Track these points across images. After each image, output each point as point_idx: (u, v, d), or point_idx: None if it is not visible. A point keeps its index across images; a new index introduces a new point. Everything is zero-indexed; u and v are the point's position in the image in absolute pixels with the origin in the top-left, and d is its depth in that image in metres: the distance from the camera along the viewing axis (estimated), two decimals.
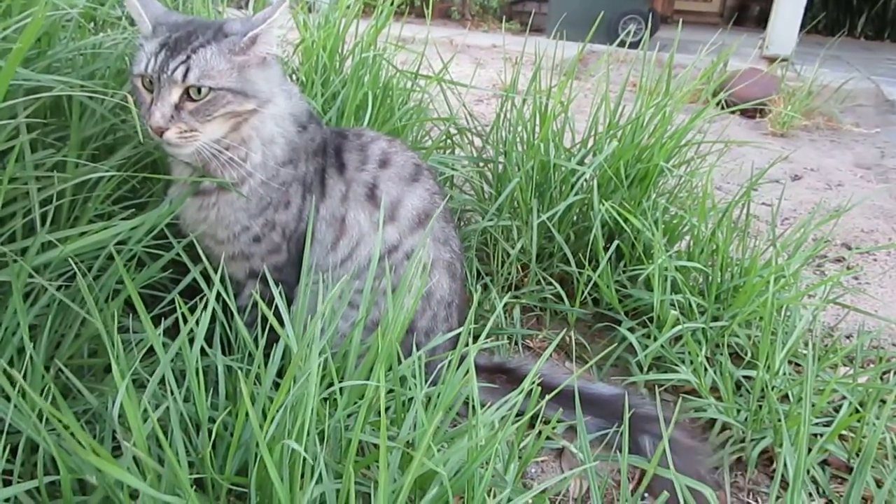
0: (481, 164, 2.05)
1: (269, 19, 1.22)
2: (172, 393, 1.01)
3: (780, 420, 1.39)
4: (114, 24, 1.71)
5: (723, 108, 2.35)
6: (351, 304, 1.39)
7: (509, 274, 1.90)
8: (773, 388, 1.46)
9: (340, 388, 1.09)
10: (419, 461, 0.88)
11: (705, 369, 1.58)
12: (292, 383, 0.90)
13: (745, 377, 1.61)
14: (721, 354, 1.62)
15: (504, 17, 7.81)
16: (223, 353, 1.25)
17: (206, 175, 1.32)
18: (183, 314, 1.16)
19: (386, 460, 0.88)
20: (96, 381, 1.27)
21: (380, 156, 1.45)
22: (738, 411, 1.51)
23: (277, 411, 0.91)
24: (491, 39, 6.76)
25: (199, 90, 1.20)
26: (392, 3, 2.03)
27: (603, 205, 1.75)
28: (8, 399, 1.00)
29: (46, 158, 1.36)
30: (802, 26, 6.03)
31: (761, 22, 7.81)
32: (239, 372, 1.20)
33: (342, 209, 1.40)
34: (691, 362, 1.59)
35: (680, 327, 1.57)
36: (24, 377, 1.12)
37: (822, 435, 1.39)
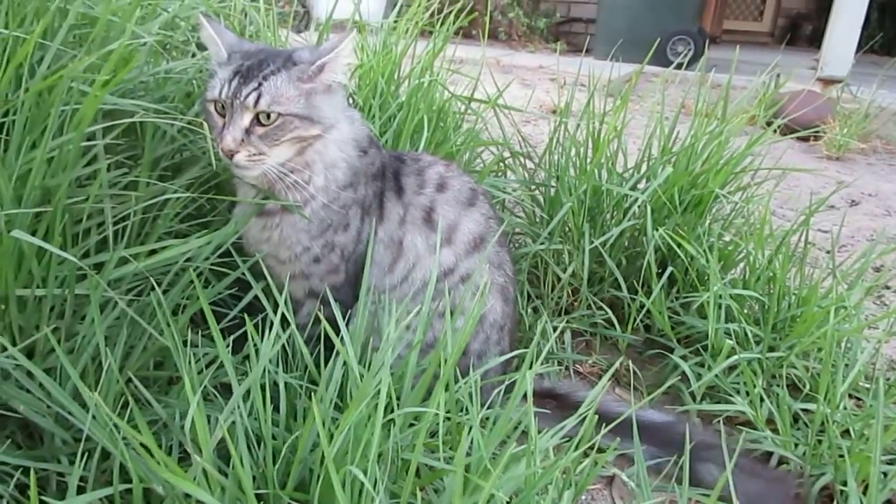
0: (533, 188, 2.06)
1: (337, 49, 1.27)
2: (239, 408, 1.04)
3: (841, 456, 1.35)
4: (182, 49, 1.79)
5: (775, 131, 2.31)
6: (407, 326, 1.41)
7: (559, 298, 1.90)
8: (833, 423, 1.43)
9: (395, 409, 1.12)
10: (476, 485, 0.89)
11: (761, 400, 1.55)
12: (359, 405, 0.93)
13: (803, 410, 1.57)
14: (778, 386, 1.59)
15: (551, 38, 7.84)
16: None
17: (271, 197, 1.36)
18: (247, 330, 1.20)
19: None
20: (160, 392, 1.32)
21: (437, 180, 1.48)
22: (797, 445, 1.48)
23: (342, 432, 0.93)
24: (537, 60, 6.79)
25: (268, 115, 1.26)
26: (449, 29, 2.07)
27: (657, 231, 1.74)
28: (85, 408, 1.05)
29: (120, 178, 1.43)
30: (858, 47, 5.90)
31: (813, 41, 7.66)
32: (299, 389, 1.23)
33: (400, 232, 1.43)
34: (747, 393, 1.56)
35: (736, 357, 1.55)
36: (98, 385, 1.18)
37: (886, 474, 1.35)
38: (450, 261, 1.43)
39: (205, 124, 1.35)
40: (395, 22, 2.10)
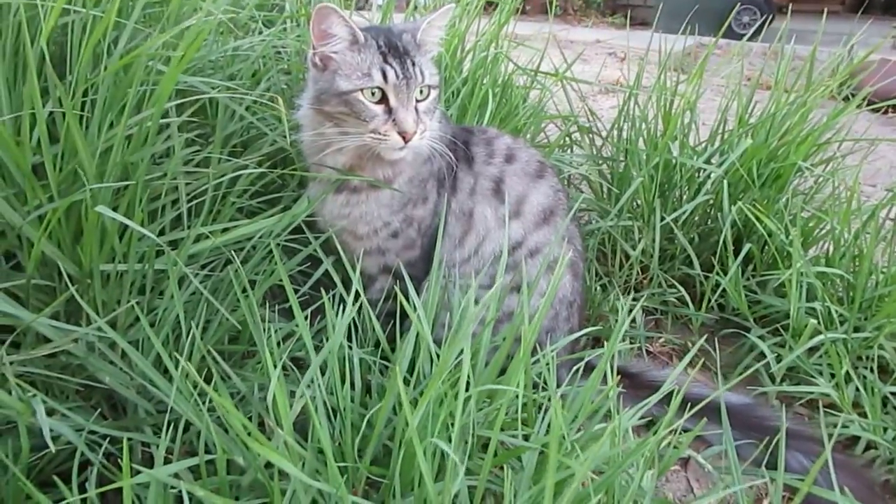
0: (600, 163, 2.00)
1: (429, 19, 1.31)
2: (314, 382, 1.04)
3: None
4: (248, 27, 1.79)
5: (860, 104, 2.18)
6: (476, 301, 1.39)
7: (629, 276, 1.85)
8: None
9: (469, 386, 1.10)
10: (559, 463, 0.87)
11: (847, 382, 1.48)
12: (439, 380, 0.91)
13: (892, 394, 1.49)
14: (865, 368, 1.51)
15: (607, 12, 7.63)
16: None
17: (353, 173, 1.35)
18: (322, 306, 1.20)
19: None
20: (236, 366, 1.34)
21: (505, 151, 1.45)
22: (885, 430, 1.40)
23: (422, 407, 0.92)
24: (594, 34, 6.61)
25: (421, 91, 1.28)
26: (511, 3, 2.02)
27: (734, 206, 1.67)
28: (168, 380, 1.08)
29: (192, 155, 1.45)
30: None
31: (889, 9, 7.22)
32: (371, 364, 1.23)
33: (470, 203, 1.41)
34: (832, 375, 1.49)
35: (820, 337, 1.47)
36: (179, 360, 1.20)
37: None
38: (518, 234, 1.40)
39: (310, 117, 1.34)
40: None
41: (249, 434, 0.86)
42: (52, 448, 0.90)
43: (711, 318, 1.80)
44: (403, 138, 1.24)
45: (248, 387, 1.13)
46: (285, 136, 1.55)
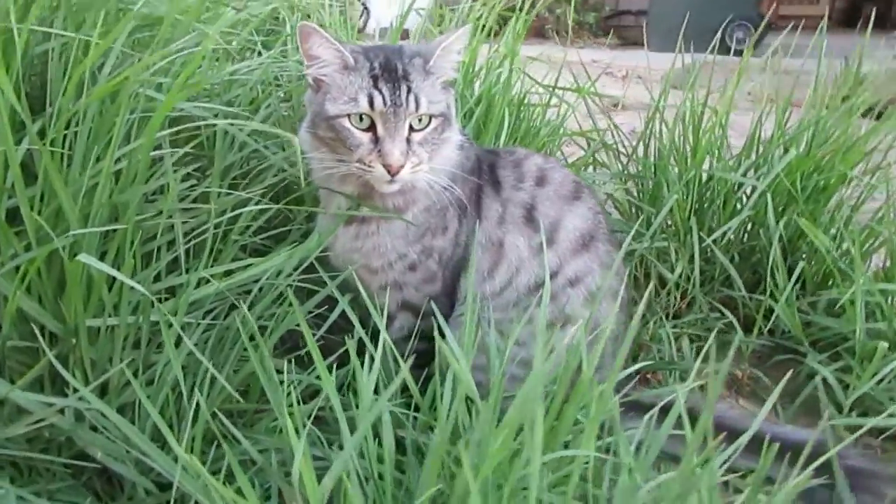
0: (627, 181, 1.87)
1: (449, 42, 1.18)
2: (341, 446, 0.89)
3: None
4: (246, 49, 1.67)
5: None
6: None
7: (666, 301, 1.71)
8: None
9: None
10: None
11: None
12: (504, 448, 0.76)
13: None
14: None
15: (600, 33, 7.61)
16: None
17: (366, 203, 1.22)
18: (338, 357, 1.05)
19: None
20: (246, 426, 1.18)
21: (536, 173, 1.32)
22: None
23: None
24: (588, 55, 6.56)
25: (420, 119, 1.14)
26: (517, 26, 1.91)
27: (780, 220, 1.54)
28: (169, 451, 0.92)
29: (188, 191, 1.31)
30: None
31: (877, 24, 7.19)
32: (404, 420, 1.08)
33: (500, 232, 1.27)
34: None
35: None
36: (180, 422, 1.05)
37: None
38: (553, 263, 1.25)
39: (307, 141, 1.22)
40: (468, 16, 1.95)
41: None
42: None
43: (759, 344, 1.66)
44: (388, 171, 1.11)
45: (263, 456, 0.97)
46: (292, 165, 1.42)
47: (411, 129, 1.14)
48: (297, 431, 0.80)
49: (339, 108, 1.13)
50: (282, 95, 1.70)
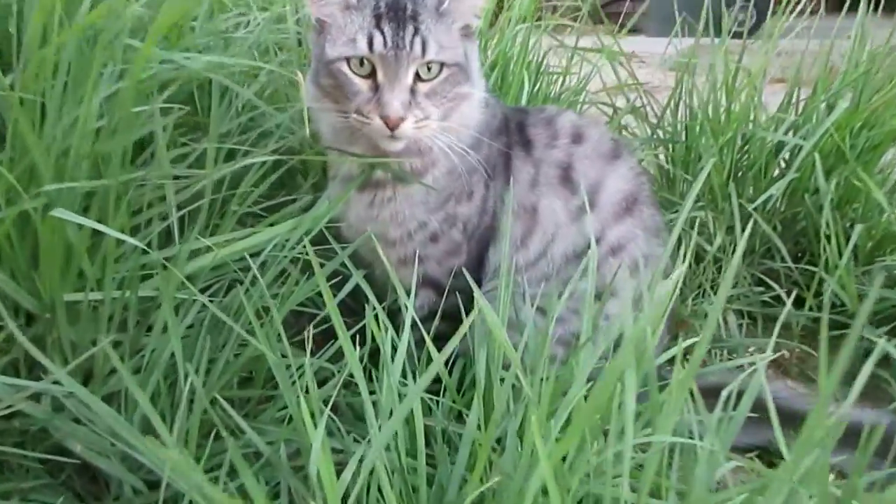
0: (657, 147, 1.74)
1: None
2: (367, 441, 0.75)
3: None
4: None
5: None
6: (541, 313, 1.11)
7: (703, 274, 1.57)
8: None
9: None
10: None
11: None
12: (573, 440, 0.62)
13: None
14: None
15: (596, 20, 7.46)
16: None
17: (381, 165, 1.08)
18: (355, 337, 0.92)
19: None
20: (249, 416, 1.05)
21: (571, 129, 1.18)
22: None
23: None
24: (588, 42, 6.42)
25: (429, 67, 0.99)
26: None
27: (831, 181, 1.40)
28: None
29: (182, 158, 1.17)
30: None
31: (883, 6, 7.08)
32: (433, 406, 0.94)
33: (533, 196, 1.13)
34: None
35: None
36: (175, 411, 0.91)
37: None
38: (594, 229, 1.11)
39: (311, 92, 1.08)
40: None
41: None
42: None
43: (808, 319, 1.52)
44: (386, 124, 0.97)
45: (271, 448, 0.84)
46: (293, 133, 1.28)
47: (419, 78, 0.99)
48: (313, 419, 0.66)
49: (338, 50, 0.99)
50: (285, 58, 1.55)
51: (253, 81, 1.39)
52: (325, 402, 0.98)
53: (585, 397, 0.70)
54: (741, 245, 1.42)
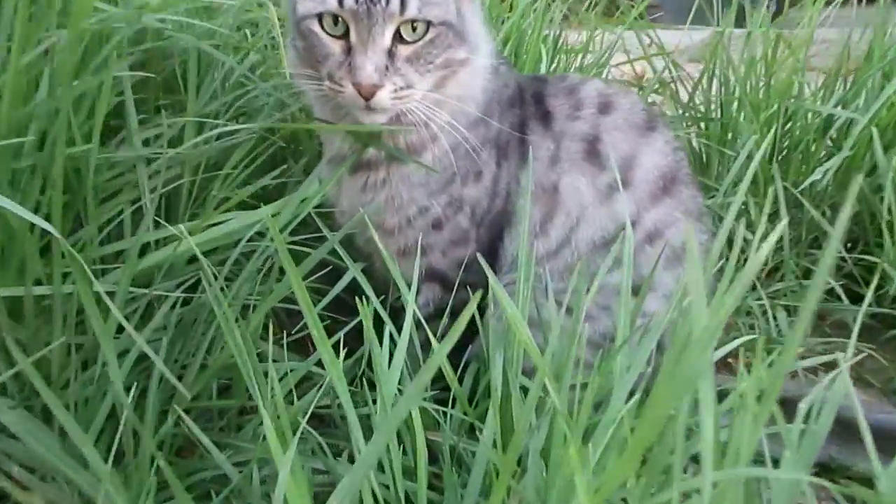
0: (688, 125, 1.58)
1: None
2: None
3: None
4: None
5: None
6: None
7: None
8: None
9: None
10: None
11: None
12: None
13: None
14: None
15: (605, 11, 7.30)
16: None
17: (373, 142, 0.94)
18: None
19: None
20: (226, 431, 0.91)
21: (598, 98, 1.02)
22: None
23: None
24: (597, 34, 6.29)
25: (414, 27, 0.84)
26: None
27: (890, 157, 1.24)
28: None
29: (157, 138, 1.04)
30: None
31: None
32: (441, 418, 0.80)
33: (553, 175, 0.98)
34: None
35: None
36: (136, 436, 0.77)
37: None
38: (629, 211, 0.96)
39: (291, 57, 0.94)
40: None
41: None
42: None
43: (866, 316, 1.36)
44: (359, 92, 0.83)
45: (244, 469, 0.69)
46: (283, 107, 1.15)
47: (401, 40, 0.85)
48: (283, 437, 0.52)
49: (307, 5, 0.85)
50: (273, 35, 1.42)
51: (238, 54, 1.26)
52: (318, 414, 0.86)
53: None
54: (786, 231, 1.27)
